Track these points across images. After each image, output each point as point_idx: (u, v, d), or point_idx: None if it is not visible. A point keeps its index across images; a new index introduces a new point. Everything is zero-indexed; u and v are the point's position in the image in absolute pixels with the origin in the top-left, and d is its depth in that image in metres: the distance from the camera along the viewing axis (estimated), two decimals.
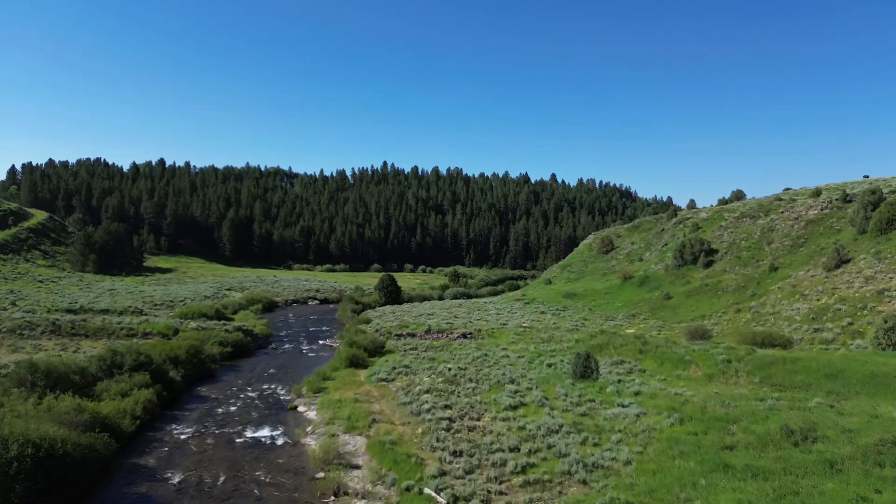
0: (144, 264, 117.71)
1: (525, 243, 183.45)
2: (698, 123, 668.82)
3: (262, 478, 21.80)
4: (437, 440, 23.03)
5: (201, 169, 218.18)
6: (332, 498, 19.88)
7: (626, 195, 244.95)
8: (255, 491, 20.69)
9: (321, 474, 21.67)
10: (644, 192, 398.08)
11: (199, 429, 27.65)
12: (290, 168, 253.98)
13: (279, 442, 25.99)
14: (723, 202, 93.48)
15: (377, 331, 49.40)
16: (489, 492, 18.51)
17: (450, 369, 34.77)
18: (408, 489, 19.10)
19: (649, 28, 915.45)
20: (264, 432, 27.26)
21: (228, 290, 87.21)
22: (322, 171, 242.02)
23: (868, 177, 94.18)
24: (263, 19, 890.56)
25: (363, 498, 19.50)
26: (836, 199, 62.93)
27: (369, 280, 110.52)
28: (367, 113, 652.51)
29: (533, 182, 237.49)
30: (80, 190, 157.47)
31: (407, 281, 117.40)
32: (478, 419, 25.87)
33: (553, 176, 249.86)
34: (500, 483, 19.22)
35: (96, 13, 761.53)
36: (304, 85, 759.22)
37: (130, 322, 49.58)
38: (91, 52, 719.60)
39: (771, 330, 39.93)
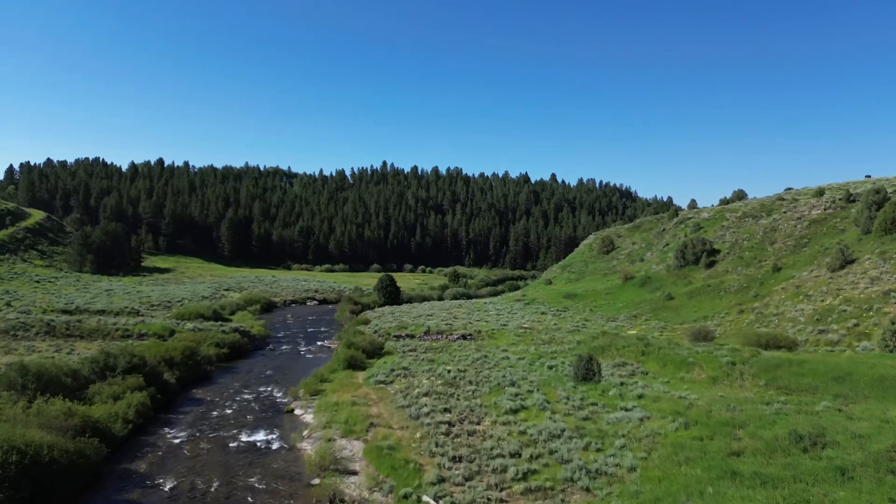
0: (142, 264, 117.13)
1: (525, 243, 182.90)
2: (698, 123, 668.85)
3: (257, 484, 21.23)
4: (437, 445, 22.47)
5: (200, 169, 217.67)
6: None
7: (627, 195, 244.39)
8: (249, 498, 20.13)
9: (317, 480, 21.11)
10: (644, 192, 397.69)
11: (193, 433, 27.07)
12: (289, 168, 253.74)
13: (275, 446, 25.42)
14: (724, 202, 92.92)
15: (376, 332, 48.85)
16: (489, 499, 17.96)
17: (449, 371, 34.21)
18: (406, 497, 18.55)
19: (649, 28, 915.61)
20: (260, 436, 26.69)
21: (226, 290, 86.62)
22: (321, 171, 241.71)
23: (870, 176, 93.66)
24: (263, 19, 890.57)
25: None
26: (840, 199, 62.36)
27: (368, 280, 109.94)
28: (367, 113, 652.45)
29: (533, 182, 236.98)
30: (78, 190, 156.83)
31: (406, 281, 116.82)
32: (478, 423, 25.31)
33: (553, 176, 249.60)
34: (501, 490, 18.65)
35: (96, 13, 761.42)
36: (304, 85, 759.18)
37: (126, 323, 49.00)
38: (91, 51, 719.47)
39: (775, 331, 39.36)
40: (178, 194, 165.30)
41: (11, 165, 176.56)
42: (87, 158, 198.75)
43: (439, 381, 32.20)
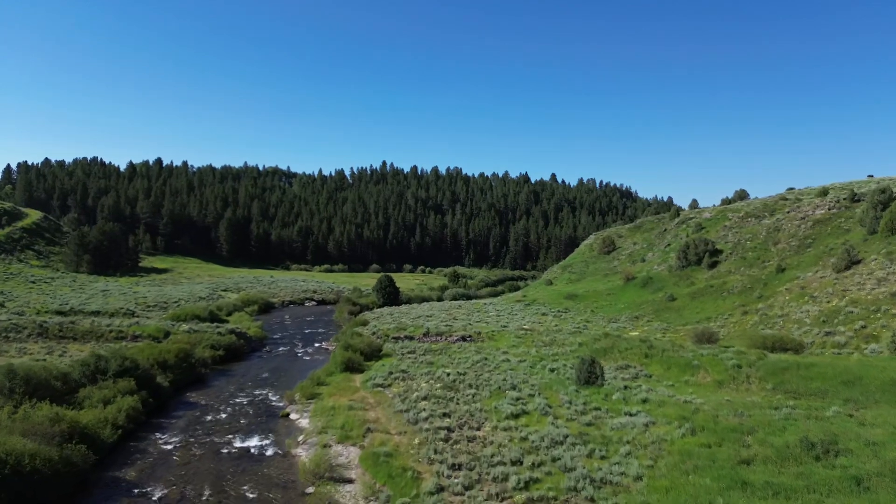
0: (140, 264, 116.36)
1: (525, 243, 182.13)
2: (698, 123, 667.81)
3: (249, 493, 20.51)
4: (435, 452, 21.75)
5: (199, 168, 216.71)
6: None
7: (627, 195, 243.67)
8: None
9: (311, 489, 20.39)
10: (644, 192, 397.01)
11: (185, 438, 26.34)
12: (288, 167, 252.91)
13: (268, 453, 24.68)
14: (726, 202, 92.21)
15: (374, 333, 48.14)
16: None
17: (448, 374, 33.50)
18: None
19: (649, 28, 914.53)
20: (253, 442, 25.96)
21: (224, 290, 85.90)
22: (321, 171, 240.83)
23: (872, 176, 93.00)
24: (263, 19, 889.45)
25: None
26: (844, 199, 61.66)
27: (368, 280, 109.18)
28: (367, 113, 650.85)
29: (533, 182, 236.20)
30: (75, 189, 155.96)
31: (406, 281, 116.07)
32: (478, 429, 24.59)
33: (553, 176, 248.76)
34: (502, 500, 17.97)
35: (96, 13, 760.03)
36: (304, 85, 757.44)
37: (121, 324, 48.25)
38: (90, 51, 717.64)
39: (781, 333, 38.64)
40: (176, 194, 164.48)
41: (9, 165, 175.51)
42: (85, 158, 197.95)
43: (438, 385, 31.48)
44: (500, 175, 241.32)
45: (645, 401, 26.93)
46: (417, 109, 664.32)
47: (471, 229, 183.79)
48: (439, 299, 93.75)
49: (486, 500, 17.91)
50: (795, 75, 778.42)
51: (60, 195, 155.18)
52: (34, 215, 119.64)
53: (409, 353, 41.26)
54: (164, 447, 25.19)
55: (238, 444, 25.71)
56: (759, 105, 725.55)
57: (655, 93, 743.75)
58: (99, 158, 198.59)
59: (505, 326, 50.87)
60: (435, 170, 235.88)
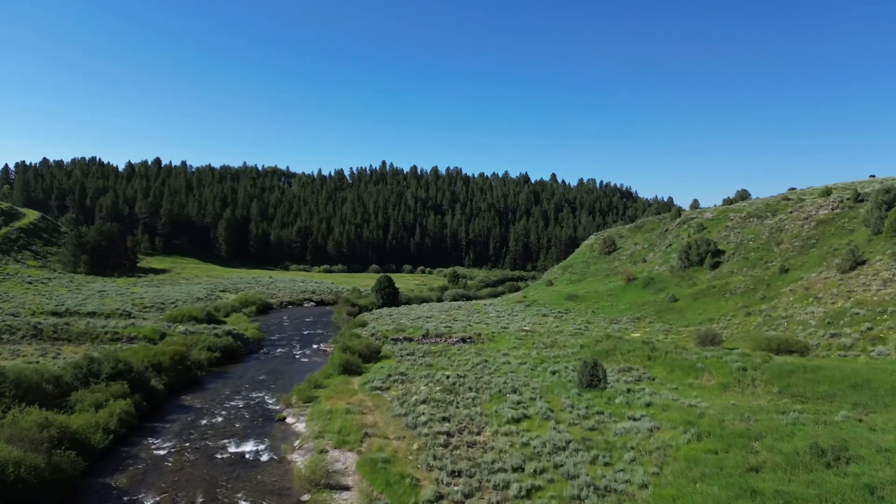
0: (138, 265, 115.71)
1: (525, 244, 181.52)
2: (698, 123, 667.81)
3: (242, 501, 19.92)
4: (434, 458, 21.16)
5: (198, 168, 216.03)
6: None
7: (627, 195, 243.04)
8: None
9: (307, 497, 19.81)
10: (645, 192, 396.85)
11: (178, 443, 25.75)
12: (287, 167, 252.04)
13: (263, 458, 24.09)
14: (728, 202, 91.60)
15: (373, 335, 47.57)
16: None
17: (448, 377, 32.92)
18: None
19: (649, 28, 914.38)
20: (248, 447, 25.37)
21: (222, 291, 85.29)
22: (320, 171, 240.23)
23: (875, 176, 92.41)
24: (263, 19, 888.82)
25: None
26: (848, 199, 61.08)
27: (367, 281, 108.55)
28: (367, 113, 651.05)
29: (533, 182, 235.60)
30: (73, 189, 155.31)
31: (405, 282, 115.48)
32: (478, 434, 24.00)
33: (553, 176, 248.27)
34: None
35: (96, 13, 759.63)
36: (304, 85, 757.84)
37: (116, 326, 47.66)
38: (90, 51, 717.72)
39: (786, 335, 38.06)
40: (174, 194, 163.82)
41: (6, 165, 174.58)
42: (83, 158, 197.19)
43: (438, 388, 30.90)
44: (500, 175, 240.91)
45: (649, 405, 26.35)
46: (417, 109, 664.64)
47: (471, 229, 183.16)
48: (439, 300, 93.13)
49: None
50: (796, 75, 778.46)
51: (58, 195, 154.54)
52: (32, 215, 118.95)
53: (408, 354, 40.68)
54: (157, 452, 24.60)
55: (233, 449, 25.12)
56: (759, 105, 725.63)
57: (655, 93, 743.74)
58: (97, 158, 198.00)
59: (505, 328, 50.28)
60: (435, 170, 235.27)
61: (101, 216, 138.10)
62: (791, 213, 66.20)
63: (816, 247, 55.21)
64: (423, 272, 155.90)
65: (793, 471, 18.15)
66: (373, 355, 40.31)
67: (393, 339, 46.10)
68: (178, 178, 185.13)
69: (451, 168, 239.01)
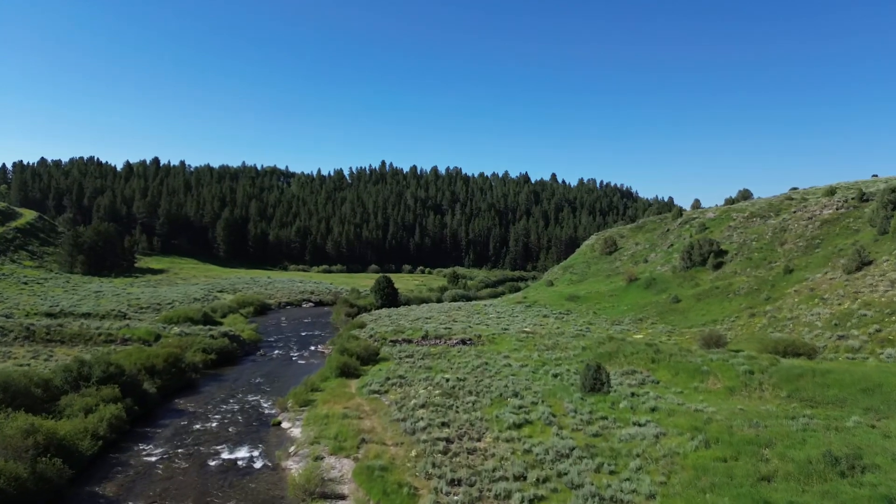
0: (136, 265, 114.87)
1: (525, 244, 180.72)
2: (698, 123, 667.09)
3: None
4: (433, 465, 20.45)
5: (196, 168, 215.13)
6: None
7: (628, 195, 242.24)
8: None
9: None
10: (645, 192, 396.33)
11: (169, 449, 25.01)
12: (286, 167, 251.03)
13: (257, 465, 23.36)
14: (730, 202, 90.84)
15: (371, 336, 46.84)
16: None
17: (448, 380, 32.19)
18: None
19: (649, 28, 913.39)
20: (242, 453, 24.64)
21: (220, 292, 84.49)
22: (319, 171, 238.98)
23: (877, 176, 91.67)
24: (263, 19, 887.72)
25: None
26: (852, 199, 60.34)
27: (366, 281, 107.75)
28: (366, 113, 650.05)
29: (533, 182, 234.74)
30: (71, 189, 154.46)
31: (405, 282, 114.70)
32: (478, 440, 23.28)
33: (553, 176, 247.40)
34: None
35: (96, 13, 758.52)
36: (304, 85, 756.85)
37: (110, 327, 46.90)
38: (89, 51, 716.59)
39: (792, 337, 37.33)
40: (173, 194, 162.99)
41: (4, 164, 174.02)
42: (81, 158, 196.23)
43: (437, 392, 30.18)
44: (500, 175, 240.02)
45: (654, 409, 25.62)
46: (417, 109, 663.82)
47: (470, 229, 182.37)
48: (438, 300, 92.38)
49: None
50: (796, 75, 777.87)
51: (56, 195, 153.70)
52: (28, 215, 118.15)
53: (407, 357, 39.95)
54: (148, 459, 23.87)
55: (226, 455, 24.39)
56: (760, 105, 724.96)
57: (655, 93, 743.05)
58: (95, 158, 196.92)
59: (506, 329, 49.53)
60: (434, 170, 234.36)
61: (99, 216, 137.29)
62: (795, 212, 65.47)
63: (821, 247, 54.48)
64: (422, 272, 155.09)
65: (806, 480, 17.44)
66: (371, 357, 39.60)
67: (392, 341, 45.37)
68: (177, 178, 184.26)
69: (451, 168, 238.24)
